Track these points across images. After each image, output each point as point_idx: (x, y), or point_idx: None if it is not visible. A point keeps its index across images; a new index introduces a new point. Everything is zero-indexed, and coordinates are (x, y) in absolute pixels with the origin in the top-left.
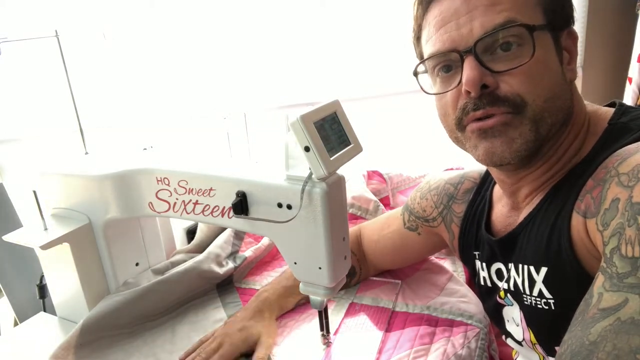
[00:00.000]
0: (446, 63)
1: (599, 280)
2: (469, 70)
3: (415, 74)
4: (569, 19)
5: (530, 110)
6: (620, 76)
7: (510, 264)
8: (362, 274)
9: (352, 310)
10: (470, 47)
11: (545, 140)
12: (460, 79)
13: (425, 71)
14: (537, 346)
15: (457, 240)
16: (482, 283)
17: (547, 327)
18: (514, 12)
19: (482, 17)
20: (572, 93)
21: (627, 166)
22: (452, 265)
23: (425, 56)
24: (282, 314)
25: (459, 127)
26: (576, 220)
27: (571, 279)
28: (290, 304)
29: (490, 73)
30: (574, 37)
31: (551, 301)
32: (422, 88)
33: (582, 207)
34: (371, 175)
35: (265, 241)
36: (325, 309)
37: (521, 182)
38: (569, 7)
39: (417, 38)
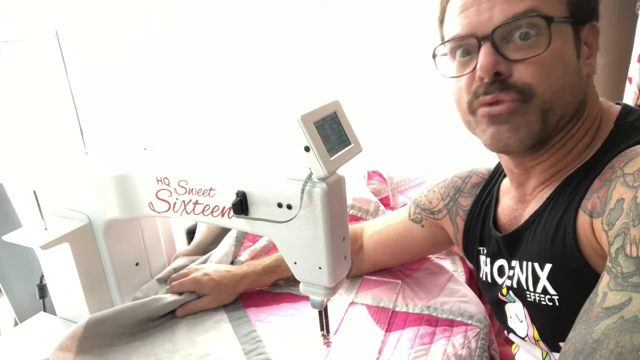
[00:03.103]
0: (465, 47)
1: (604, 280)
2: (483, 56)
3: (434, 56)
4: (593, 13)
5: (538, 100)
6: (620, 76)
7: (514, 261)
8: (352, 268)
9: (352, 310)
10: (488, 33)
11: (553, 131)
12: (476, 64)
13: (445, 54)
14: (540, 342)
15: (462, 235)
16: (485, 279)
17: (551, 323)
18: (537, 1)
19: (503, 5)
20: (587, 87)
21: (633, 166)
22: (452, 265)
23: (445, 39)
24: (258, 289)
25: (470, 111)
26: (583, 219)
27: (576, 276)
28: (265, 281)
29: (505, 61)
30: (596, 31)
31: (555, 297)
32: (439, 71)
33: (589, 207)
34: (371, 175)
35: (260, 243)
36: (325, 309)
37: (530, 173)
38: (595, 1)
39: (441, 21)
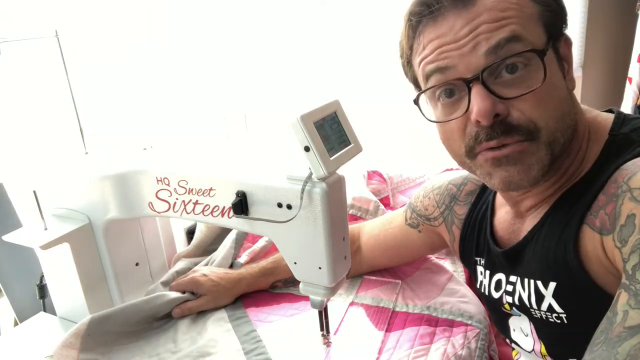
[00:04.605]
0: (448, 87)
1: (623, 298)
2: (479, 100)
3: (416, 102)
4: (563, 25)
5: (545, 135)
6: (620, 76)
7: (513, 276)
8: (351, 269)
9: (352, 310)
10: (477, 74)
11: (558, 159)
12: (468, 106)
13: (424, 92)
14: (548, 358)
15: (458, 244)
16: (482, 290)
17: (560, 340)
18: (518, 26)
19: (486, 41)
20: (573, 104)
21: (639, 181)
22: (452, 265)
23: (423, 82)
24: (255, 290)
25: (469, 155)
26: (591, 236)
27: (582, 293)
28: (263, 284)
29: (500, 100)
30: (569, 43)
31: (563, 315)
32: (424, 115)
33: (598, 224)
34: (371, 175)
35: (259, 243)
36: (325, 309)
37: (526, 194)
38: (565, 14)
39: (408, 61)
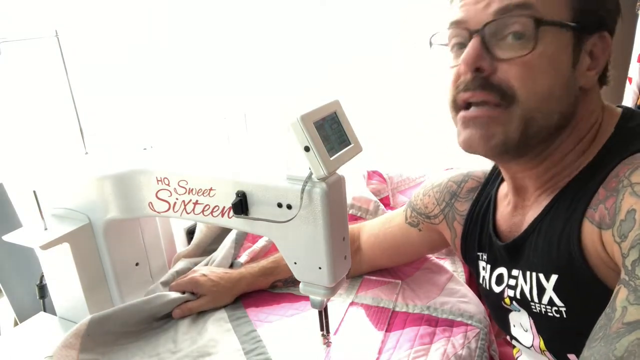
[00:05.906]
0: (460, 40)
1: (622, 294)
2: (469, 49)
3: (431, 43)
4: (602, 22)
5: (520, 107)
6: (620, 76)
7: (515, 270)
8: (351, 269)
9: (352, 310)
10: (480, 27)
11: (532, 140)
12: None
13: (447, 44)
14: (547, 352)
15: (460, 240)
16: (484, 285)
17: (559, 334)
18: None
19: (499, 2)
20: (578, 99)
21: None
22: (452, 265)
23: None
24: (256, 290)
25: (453, 107)
26: (590, 230)
27: (583, 287)
28: (263, 283)
29: (490, 58)
30: (605, 43)
31: (562, 309)
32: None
33: (597, 218)
34: (371, 175)
35: (259, 243)
36: (325, 309)
37: (524, 178)
38: (604, 10)
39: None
